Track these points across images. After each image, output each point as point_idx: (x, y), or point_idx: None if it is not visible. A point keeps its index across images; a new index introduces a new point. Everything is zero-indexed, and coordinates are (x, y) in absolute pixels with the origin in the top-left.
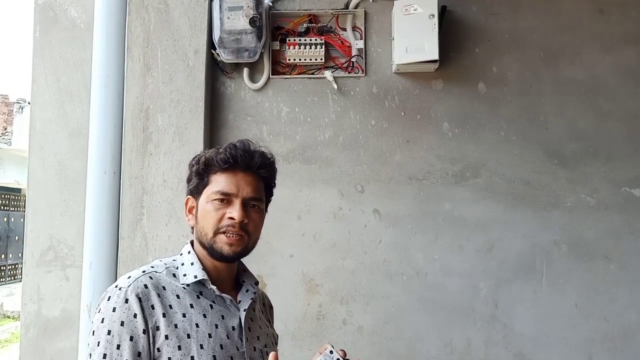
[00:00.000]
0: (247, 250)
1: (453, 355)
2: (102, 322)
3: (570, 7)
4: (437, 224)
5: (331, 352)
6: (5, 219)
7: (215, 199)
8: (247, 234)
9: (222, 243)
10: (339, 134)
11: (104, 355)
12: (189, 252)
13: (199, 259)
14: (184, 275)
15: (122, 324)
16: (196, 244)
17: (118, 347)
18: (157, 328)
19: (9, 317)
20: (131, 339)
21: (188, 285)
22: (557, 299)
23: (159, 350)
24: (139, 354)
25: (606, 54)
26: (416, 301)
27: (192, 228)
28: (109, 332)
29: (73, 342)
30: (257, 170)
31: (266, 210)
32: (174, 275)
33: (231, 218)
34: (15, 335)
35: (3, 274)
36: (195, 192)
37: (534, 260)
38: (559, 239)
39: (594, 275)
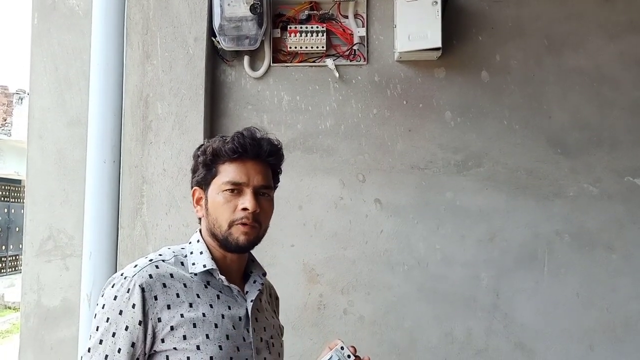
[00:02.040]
0: (259, 238)
1: (454, 345)
2: (103, 308)
3: None
4: (439, 214)
5: (342, 348)
6: (5, 210)
7: (226, 190)
8: (260, 224)
9: (238, 234)
10: (340, 122)
11: (100, 341)
12: (197, 241)
13: (207, 248)
14: (193, 264)
15: (120, 312)
16: (205, 234)
17: (113, 334)
18: (159, 320)
19: (9, 307)
20: (126, 328)
21: (196, 274)
22: (558, 289)
23: (163, 341)
24: (133, 344)
25: (611, 43)
26: (417, 291)
27: (199, 219)
28: (107, 320)
29: (73, 332)
30: (267, 158)
31: None
32: (182, 263)
33: (244, 209)
34: (16, 326)
35: (4, 265)
36: (203, 183)
37: (535, 250)
38: (561, 229)
39: (596, 265)
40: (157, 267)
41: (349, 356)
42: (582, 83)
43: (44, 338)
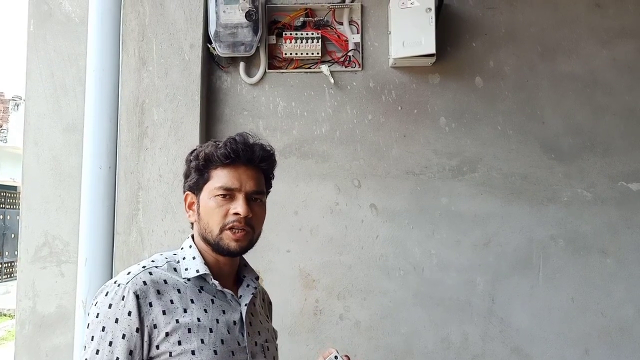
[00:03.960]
0: (251, 244)
1: (450, 350)
2: (97, 317)
3: (567, 1)
4: (434, 219)
5: (336, 357)
6: (0, 217)
7: (218, 195)
8: (252, 228)
9: (229, 239)
10: (335, 128)
11: (97, 351)
12: (190, 247)
13: (200, 253)
14: (186, 269)
15: (116, 321)
16: (197, 239)
17: (110, 344)
18: (155, 326)
19: (5, 315)
20: (124, 336)
21: (189, 279)
22: (553, 294)
23: (158, 347)
24: (131, 352)
25: (603, 48)
26: (413, 296)
27: (192, 224)
28: (103, 329)
29: (68, 339)
30: (259, 164)
31: None
32: (175, 269)
33: (236, 214)
34: (12, 333)
35: None
36: (195, 187)
37: (530, 255)
38: (556, 234)
39: (590, 270)
40: (150, 273)
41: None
42: (575, 88)
43: (39, 345)
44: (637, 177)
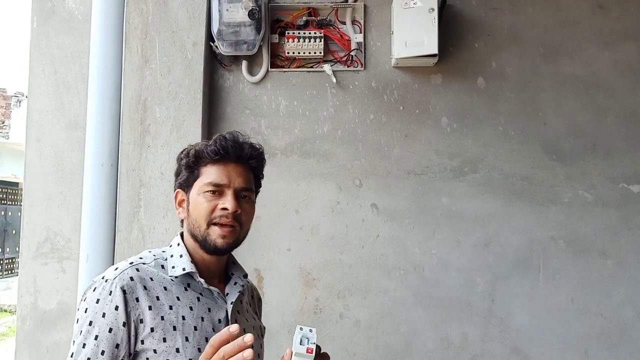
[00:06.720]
0: (238, 241)
1: (449, 350)
2: (86, 312)
3: (570, 3)
4: (435, 219)
5: (301, 328)
6: (2, 213)
7: (207, 191)
8: (240, 225)
9: (216, 235)
10: (337, 127)
11: (84, 345)
12: (178, 245)
13: (188, 251)
14: (173, 267)
15: (103, 315)
16: (186, 236)
17: (96, 337)
18: (141, 321)
19: (6, 310)
20: (110, 330)
21: (176, 277)
22: (553, 295)
23: (142, 342)
24: (117, 346)
25: (605, 50)
26: (413, 296)
27: (182, 221)
28: (90, 323)
29: (69, 335)
30: (248, 161)
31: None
32: (163, 266)
33: (224, 209)
34: (13, 329)
35: (0, 267)
36: (185, 185)
37: (531, 256)
38: (556, 235)
39: (590, 271)
40: (137, 269)
41: (310, 330)
42: (577, 90)
43: (40, 341)
44: (638, 179)
